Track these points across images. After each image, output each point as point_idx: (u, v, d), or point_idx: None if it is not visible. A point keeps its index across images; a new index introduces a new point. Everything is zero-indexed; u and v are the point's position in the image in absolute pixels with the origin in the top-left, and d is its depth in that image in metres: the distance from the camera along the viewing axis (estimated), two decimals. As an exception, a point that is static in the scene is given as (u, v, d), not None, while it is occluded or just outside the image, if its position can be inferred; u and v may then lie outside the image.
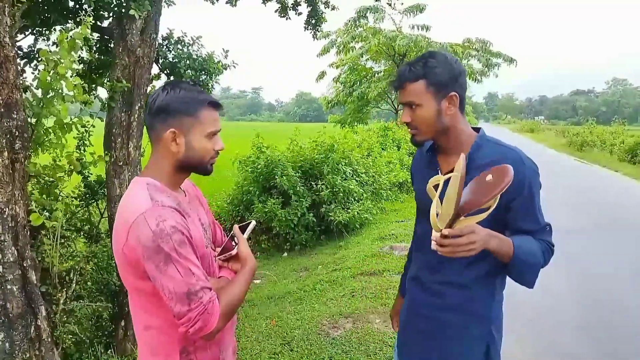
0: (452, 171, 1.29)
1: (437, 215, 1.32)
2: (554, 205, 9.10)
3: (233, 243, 1.47)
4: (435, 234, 1.31)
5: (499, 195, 1.26)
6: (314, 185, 7.46)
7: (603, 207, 9.07)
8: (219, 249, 1.53)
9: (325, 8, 6.46)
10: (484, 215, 1.31)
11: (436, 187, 1.41)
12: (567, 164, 18.21)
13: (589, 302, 4.46)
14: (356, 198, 7.77)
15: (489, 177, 1.29)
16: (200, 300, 1.19)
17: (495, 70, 19.21)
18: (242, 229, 1.52)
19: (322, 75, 21.03)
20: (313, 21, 6.48)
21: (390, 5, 7.37)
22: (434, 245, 1.32)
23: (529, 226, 1.49)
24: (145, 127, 1.42)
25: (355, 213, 7.32)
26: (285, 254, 7.10)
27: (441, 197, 1.33)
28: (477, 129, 1.59)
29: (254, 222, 1.58)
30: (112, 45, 3.92)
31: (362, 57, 19.15)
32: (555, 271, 5.29)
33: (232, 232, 1.51)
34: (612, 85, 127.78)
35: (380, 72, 19.98)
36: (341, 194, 7.44)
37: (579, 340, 3.72)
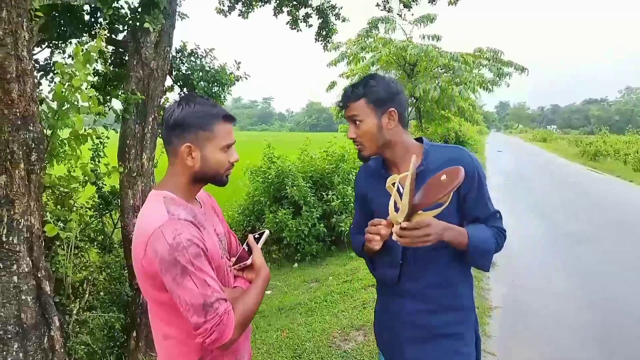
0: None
1: (395, 211, 1.46)
2: (567, 216, 9.00)
3: (247, 253, 1.50)
4: (395, 227, 1.44)
5: (451, 193, 1.39)
6: (325, 196, 7.45)
7: (617, 217, 8.93)
8: (233, 259, 1.55)
9: (335, 20, 6.51)
10: (439, 210, 1.43)
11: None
12: (581, 174, 18.00)
13: (598, 310, 4.39)
14: (367, 208, 7.75)
15: (443, 177, 1.41)
16: (216, 312, 1.22)
17: (506, 79, 19.13)
18: (256, 239, 1.54)
19: (332, 85, 21.08)
20: (324, 33, 6.53)
21: (400, 16, 7.39)
22: (394, 237, 1.44)
23: (481, 213, 1.65)
24: (162, 140, 1.45)
25: (366, 223, 7.29)
26: (296, 265, 7.08)
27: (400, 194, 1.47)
28: (419, 139, 1.73)
29: (267, 232, 1.60)
30: (126, 58, 3.98)
31: (372, 66, 19.20)
32: (565, 280, 5.22)
33: (246, 241, 1.53)
34: (625, 94, 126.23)
35: (391, 82, 19.99)
36: (352, 205, 7.42)
37: (587, 346, 3.66)
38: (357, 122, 1.63)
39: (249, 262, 1.48)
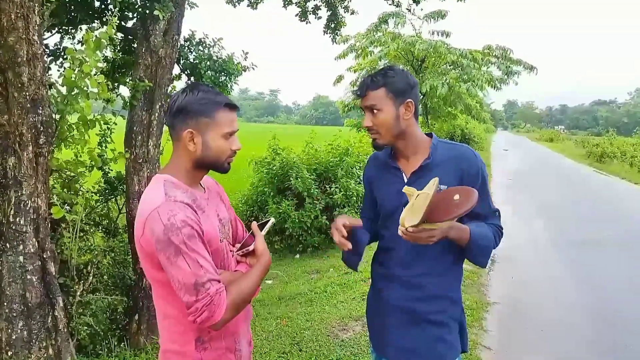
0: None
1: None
2: (571, 217, 9.00)
3: (252, 239, 1.54)
4: (401, 227, 1.49)
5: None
6: (328, 188, 7.49)
7: (621, 220, 8.92)
8: (238, 245, 1.59)
9: (344, 12, 6.51)
10: (443, 225, 1.48)
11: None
12: (586, 175, 17.93)
13: (601, 315, 4.40)
14: (370, 202, 7.77)
15: (457, 196, 1.46)
16: (207, 292, 1.25)
17: (515, 78, 19.02)
18: (261, 227, 1.57)
19: (339, 79, 21.06)
20: (332, 25, 6.54)
21: (409, 10, 7.38)
22: (399, 232, 1.49)
23: (482, 210, 1.69)
24: (167, 126, 1.49)
25: (369, 217, 7.32)
26: (298, 256, 7.14)
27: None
28: (429, 134, 1.78)
29: (272, 220, 1.64)
30: (135, 45, 4.01)
31: (380, 61, 19.13)
32: (568, 282, 5.24)
33: (251, 228, 1.56)
34: (635, 96, 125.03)
35: (398, 77, 19.92)
36: (354, 198, 7.45)
37: (584, 345, 3.68)
38: (375, 111, 1.66)
39: (251, 247, 1.51)
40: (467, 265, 5.44)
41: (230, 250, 1.55)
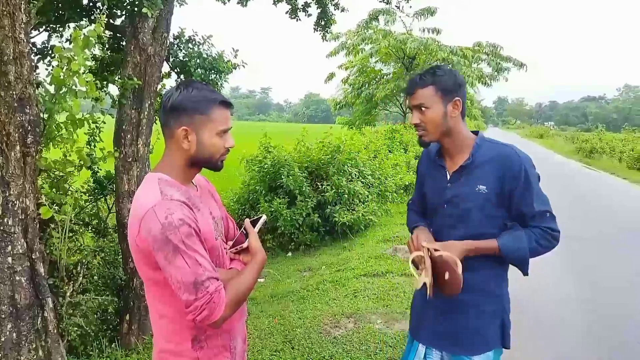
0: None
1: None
2: (560, 213, 9.06)
3: (244, 236, 1.53)
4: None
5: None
6: (320, 186, 7.49)
7: (610, 215, 9.02)
8: (230, 242, 1.59)
9: (335, 10, 6.49)
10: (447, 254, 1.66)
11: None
12: (575, 170, 18.09)
13: (595, 310, 4.45)
14: (361, 200, 7.79)
15: (447, 275, 1.63)
16: (206, 290, 1.25)
17: (505, 74, 19.17)
18: (253, 224, 1.57)
19: (331, 76, 21.09)
20: (323, 23, 6.52)
21: (398, 8, 7.37)
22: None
23: (527, 210, 1.69)
24: (160, 124, 1.48)
25: (360, 214, 7.35)
26: (290, 254, 7.14)
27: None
28: (475, 132, 1.81)
29: (265, 217, 1.64)
30: (124, 43, 3.98)
31: (371, 58, 19.17)
32: (561, 278, 5.29)
33: (243, 225, 1.56)
34: (623, 92, 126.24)
35: (389, 74, 19.98)
36: (346, 195, 7.47)
37: (583, 347, 3.72)
38: (423, 109, 1.71)
39: (245, 245, 1.51)
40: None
41: (225, 248, 1.55)
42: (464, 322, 1.76)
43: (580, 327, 4.07)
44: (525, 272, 1.77)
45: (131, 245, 1.35)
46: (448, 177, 1.78)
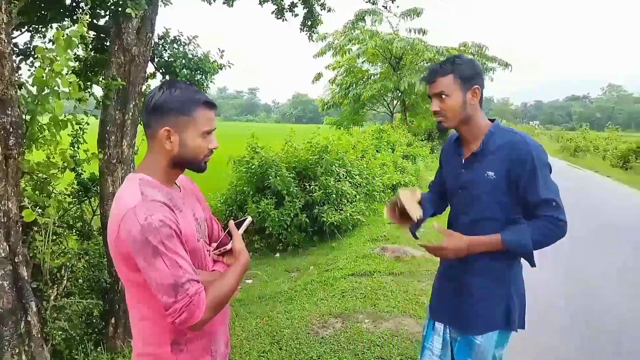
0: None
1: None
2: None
3: (228, 238, 1.52)
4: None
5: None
6: (308, 186, 7.49)
7: (594, 212, 9.16)
8: (214, 244, 1.57)
9: (321, 10, 6.49)
10: (449, 244, 1.81)
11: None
12: (560, 168, 18.33)
13: (577, 305, 4.52)
14: (349, 199, 7.81)
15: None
16: (186, 292, 1.24)
17: (490, 74, 19.36)
18: (238, 225, 1.56)
19: (318, 77, 21.11)
20: (309, 23, 6.51)
21: (385, 7, 7.41)
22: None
23: (532, 199, 1.73)
24: (142, 124, 1.46)
25: (348, 214, 7.36)
26: (278, 255, 7.13)
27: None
28: (492, 120, 1.88)
29: (249, 219, 1.62)
30: (108, 44, 3.94)
31: (358, 58, 19.22)
32: (543, 273, 5.35)
33: (227, 227, 1.55)
34: (607, 91, 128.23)
35: (376, 74, 20.05)
36: (334, 195, 7.48)
37: (565, 340, 3.77)
38: (443, 97, 1.78)
39: (228, 247, 1.50)
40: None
41: (207, 250, 1.54)
42: (470, 303, 1.85)
43: (563, 316, 4.13)
44: (532, 264, 1.83)
45: (110, 246, 1.34)
46: (462, 163, 1.88)
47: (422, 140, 19.53)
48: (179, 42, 4.48)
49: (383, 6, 7.20)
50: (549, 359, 3.55)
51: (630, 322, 4.11)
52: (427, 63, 17.91)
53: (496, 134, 1.80)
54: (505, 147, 1.75)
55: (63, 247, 3.86)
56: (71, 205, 4.43)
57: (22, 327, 2.77)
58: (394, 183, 10.32)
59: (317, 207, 7.34)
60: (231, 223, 1.55)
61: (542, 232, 1.73)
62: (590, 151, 24.10)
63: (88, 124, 4.12)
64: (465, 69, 1.76)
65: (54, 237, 3.79)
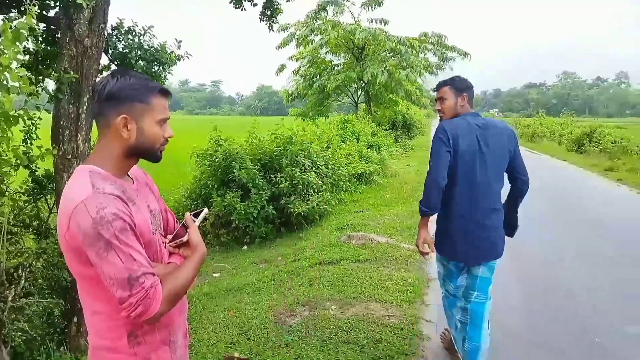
0: None
1: None
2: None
3: (185, 230, 1.50)
4: None
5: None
6: (273, 178, 7.48)
7: (550, 194, 9.52)
8: (170, 236, 1.55)
9: None
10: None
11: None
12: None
13: (534, 286, 4.71)
14: (315, 190, 7.84)
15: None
16: (142, 286, 1.22)
17: (450, 63, 19.70)
18: (195, 217, 1.55)
19: (282, 68, 20.94)
20: (269, 12, 6.48)
21: (347, -1, 7.45)
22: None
23: (519, 164, 2.77)
24: (93, 114, 1.42)
25: (315, 204, 7.40)
26: (245, 247, 7.11)
27: None
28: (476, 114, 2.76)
29: (206, 210, 1.61)
30: (59, 36, 3.81)
31: (321, 49, 19.20)
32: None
33: (184, 219, 1.54)
34: (562, 78, 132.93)
35: (340, 64, 20.09)
36: (300, 186, 7.50)
37: (523, 321, 3.94)
38: (443, 100, 2.75)
39: (185, 238, 1.48)
40: (410, 245, 5.63)
41: (163, 242, 1.52)
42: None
43: (523, 298, 4.31)
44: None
45: (60, 241, 1.30)
46: None
47: (386, 130, 19.76)
48: (133, 33, 4.38)
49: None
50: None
51: (584, 301, 4.31)
52: (389, 53, 18.07)
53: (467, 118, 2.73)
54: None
55: (19, 247, 3.75)
56: (26, 204, 4.29)
57: (-23, 329, 2.68)
58: (360, 172, 10.44)
59: (283, 198, 7.35)
60: (187, 214, 1.53)
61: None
62: (547, 136, 24.97)
63: (40, 119, 3.99)
64: (458, 83, 2.72)
65: (10, 237, 3.67)
